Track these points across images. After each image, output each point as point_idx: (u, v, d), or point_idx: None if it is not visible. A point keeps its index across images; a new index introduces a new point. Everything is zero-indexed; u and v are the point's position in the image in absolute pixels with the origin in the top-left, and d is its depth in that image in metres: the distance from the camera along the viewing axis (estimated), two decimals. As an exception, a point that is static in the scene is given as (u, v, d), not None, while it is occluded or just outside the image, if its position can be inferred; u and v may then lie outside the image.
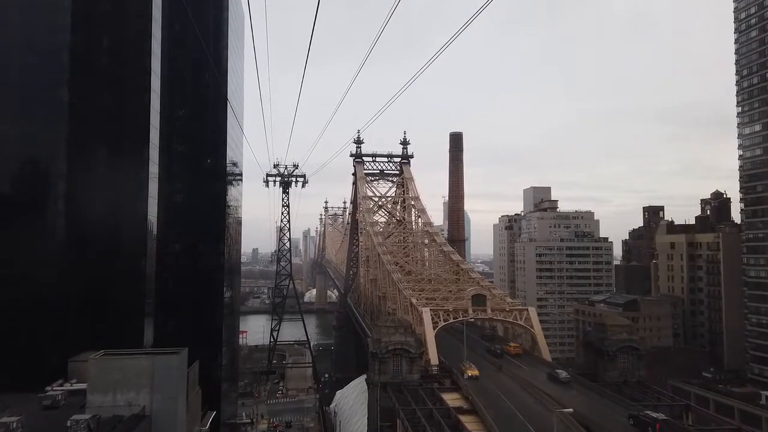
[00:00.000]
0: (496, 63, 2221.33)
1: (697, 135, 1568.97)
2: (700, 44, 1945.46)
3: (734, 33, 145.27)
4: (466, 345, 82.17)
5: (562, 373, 73.24)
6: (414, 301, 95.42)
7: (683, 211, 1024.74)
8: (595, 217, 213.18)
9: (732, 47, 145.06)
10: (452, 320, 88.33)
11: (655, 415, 55.25)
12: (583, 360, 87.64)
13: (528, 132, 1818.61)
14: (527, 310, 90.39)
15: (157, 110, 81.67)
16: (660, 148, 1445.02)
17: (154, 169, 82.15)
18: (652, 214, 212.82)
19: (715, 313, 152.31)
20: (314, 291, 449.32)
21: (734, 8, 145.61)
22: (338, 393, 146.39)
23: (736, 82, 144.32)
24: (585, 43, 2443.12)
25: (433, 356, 79.79)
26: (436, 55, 35.65)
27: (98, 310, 75.54)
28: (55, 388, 55.43)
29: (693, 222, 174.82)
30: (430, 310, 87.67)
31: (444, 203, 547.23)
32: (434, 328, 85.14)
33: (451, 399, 66.64)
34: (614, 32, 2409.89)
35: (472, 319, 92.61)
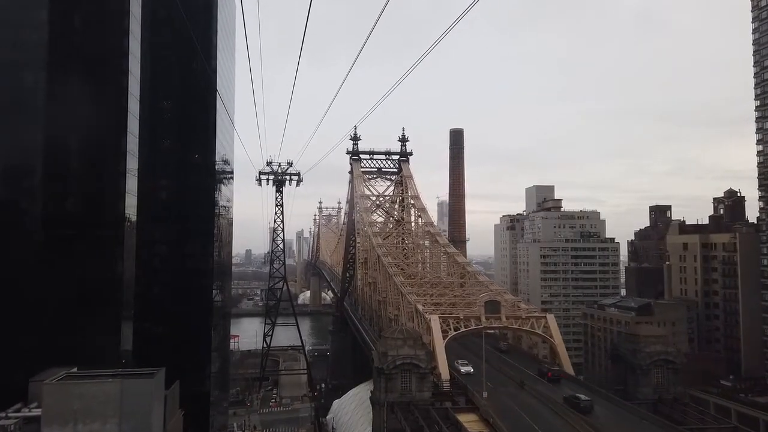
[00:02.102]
0: (491, 64, 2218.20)
1: (693, 135, 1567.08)
2: (697, 45, 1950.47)
3: (752, 22, 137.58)
4: (479, 357, 74.06)
5: (503, 345, 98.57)
6: (420, 307, 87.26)
7: (683, 211, 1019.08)
8: (601, 217, 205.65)
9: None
10: (464, 329, 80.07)
11: (549, 366, 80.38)
12: (611, 374, 79.84)
13: (523, 132, 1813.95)
14: (545, 317, 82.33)
15: (136, 96, 73.40)
16: (655, 148, 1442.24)
17: (133, 162, 73.99)
18: (659, 213, 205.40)
19: (731, 317, 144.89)
20: (308, 293, 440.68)
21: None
22: (335, 403, 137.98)
23: (755, 74, 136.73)
24: (580, 43, 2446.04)
25: (444, 370, 71.58)
26: (429, 51, 35.55)
27: (69, 318, 67.40)
28: (9, 415, 46.94)
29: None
30: (439, 317, 79.52)
31: (438, 203, 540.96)
32: (444, 338, 77.03)
33: (469, 422, 58.60)
34: (611, 32, 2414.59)
35: (492, 332, 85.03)
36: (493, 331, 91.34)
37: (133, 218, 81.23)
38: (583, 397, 62.21)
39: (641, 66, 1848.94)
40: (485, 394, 62.10)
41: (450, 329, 79.15)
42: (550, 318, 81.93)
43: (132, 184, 75.27)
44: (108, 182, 69.02)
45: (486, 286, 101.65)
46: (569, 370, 77.60)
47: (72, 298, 67.51)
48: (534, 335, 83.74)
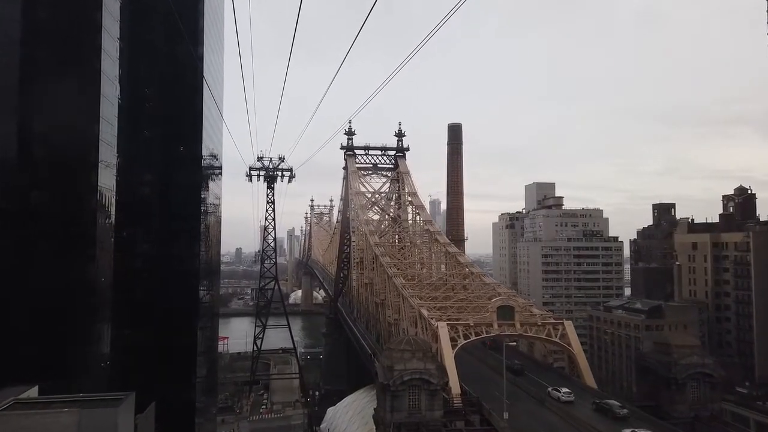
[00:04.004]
0: (485, 65, 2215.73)
1: (683, 135, 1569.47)
2: (691, 47, 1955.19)
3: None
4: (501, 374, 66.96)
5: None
6: (425, 312, 79.93)
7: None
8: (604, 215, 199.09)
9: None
10: (474, 337, 72.78)
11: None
12: (642, 389, 72.70)
13: (514, 132, 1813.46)
14: (562, 323, 75.17)
15: (112, 79, 65.74)
16: (644, 148, 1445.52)
17: (109, 153, 66.41)
18: (663, 212, 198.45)
19: (744, 319, 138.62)
20: (299, 292, 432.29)
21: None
22: (329, 411, 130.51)
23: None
24: (571, 45, 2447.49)
25: (455, 384, 64.20)
26: (419, 47, 36.23)
27: (35, 326, 59.82)
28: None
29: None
30: (447, 324, 72.19)
31: (430, 202, 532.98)
32: (452, 347, 69.74)
33: (488, 446, 51.53)
34: (606, 33, 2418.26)
35: (513, 343, 78.18)
36: (514, 342, 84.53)
37: (112, 216, 73.94)
38: (516, 361, 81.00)
39: (635, 67, 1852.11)
40: (506, 415, 54.91)
41: (459, 337, 71.91)
42: (568, 324, 74.84)
43: (108, 177, 67.80)
44: (78, 174, 61.29)
45: (493, 288, 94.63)
46: (590, 381, 70.53)
47: (38, 303, 59.94)
48: (551, 344, 76.61)
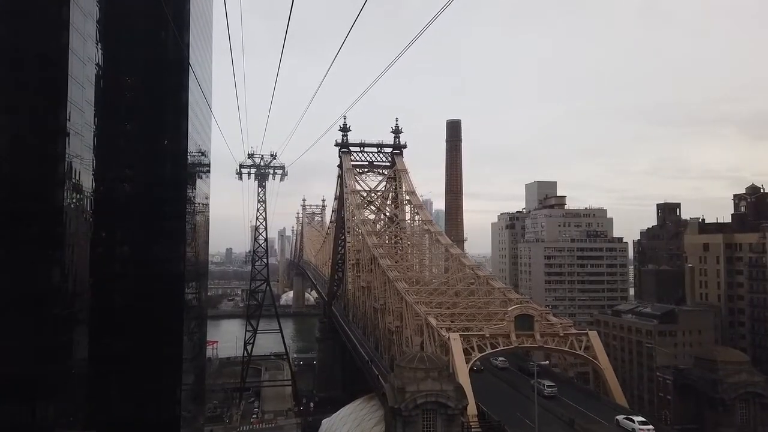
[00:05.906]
0: (477, 64, 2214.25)
1: (669, 135, 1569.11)
2: (676, 47, 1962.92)
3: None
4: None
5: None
6: (433, 321, 72.52)
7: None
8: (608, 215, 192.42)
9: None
10: (490, 350, 65.43)
11: None
12: (681, 409, 65.53)
13: (506, 131, 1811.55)
14: (586, 333, 68.05)
15: (84, 60, 57.94)
16: (631, 148, 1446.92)
17: (80, 144, 58.77)
18: (668, 212, 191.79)
19: (759, 324, 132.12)
20: (291, 293, 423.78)
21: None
22: (324, 422, 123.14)
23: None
24: (563, 45, 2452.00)
25: (471, 404, 56.79)
26: (412, 42, 35.69)
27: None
28: None
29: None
30: (460, 335, 64.82)
31: (423, 201, 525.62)
32: (466, 361, 62.45)
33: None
34: (593, 35, 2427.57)
35: (546, 362, 71.02)
36: (547, 362, 77.40)
37: (88, 215, 66.51)
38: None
39: (624, 66, 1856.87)
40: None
41: (473, 350, 64.54)
42: (593, 335, 67.73)
43: (82, 172, 60.32)
44: (40, 166, 53.55)
45: (503, 293, 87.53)
46: (620, 399, 63.29)
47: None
48: (573, 356, 69.36)
